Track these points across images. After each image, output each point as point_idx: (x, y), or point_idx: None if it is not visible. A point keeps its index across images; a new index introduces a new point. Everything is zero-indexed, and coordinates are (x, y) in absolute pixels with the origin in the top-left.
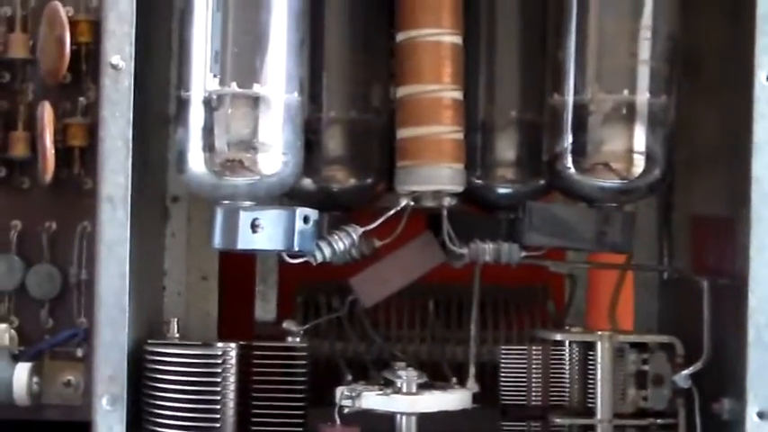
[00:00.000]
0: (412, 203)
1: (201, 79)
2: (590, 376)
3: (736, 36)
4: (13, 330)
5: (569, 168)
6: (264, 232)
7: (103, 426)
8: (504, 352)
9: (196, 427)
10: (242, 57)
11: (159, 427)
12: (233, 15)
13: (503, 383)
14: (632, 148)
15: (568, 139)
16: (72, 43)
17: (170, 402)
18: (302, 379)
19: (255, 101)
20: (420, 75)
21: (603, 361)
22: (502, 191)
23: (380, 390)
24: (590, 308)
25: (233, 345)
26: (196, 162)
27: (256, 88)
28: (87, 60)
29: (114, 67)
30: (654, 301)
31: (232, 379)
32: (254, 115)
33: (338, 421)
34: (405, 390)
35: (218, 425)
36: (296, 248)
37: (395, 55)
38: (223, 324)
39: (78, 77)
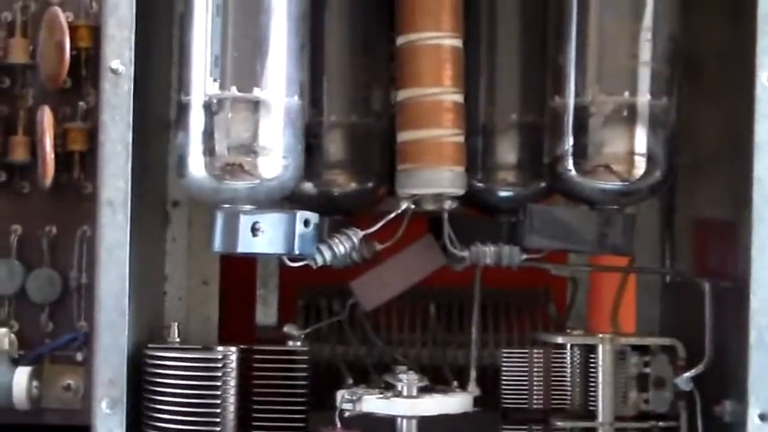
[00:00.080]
0: (413, 207)
1: (202, 83)
2: (591, 379)
3: (736, 37)
4: (13, 334)
5: (570, 171)
6: (265, 236)
7: (103, 429)
8: (505, 355)
9: (196, 430)
10: (242, 61)
11: (159, 431)
12: (233, 19)
13: (504, 387)
14: (633, 150)
15: (569, 142)
16: (72, 48)
17: (170, 406)
18: (303, 383)
19: (256, 105)
20: (420, 78)
21: (605, 364)
22: (503, 194)
23: (381, 393)
24: (591, 311)
25: (233, 349)
26: (196, 166)
27: (256, 92)
28: (87, 65)
29: (114, 71)
30: (656, 304)
31: (233, 383)
32: (255, 119)
33: (339, 425)
34: (405, 393)
35: (218, 429)
36: (296, 252)
37: (395, 58)
38: (224, 328)
39: (78, 82)
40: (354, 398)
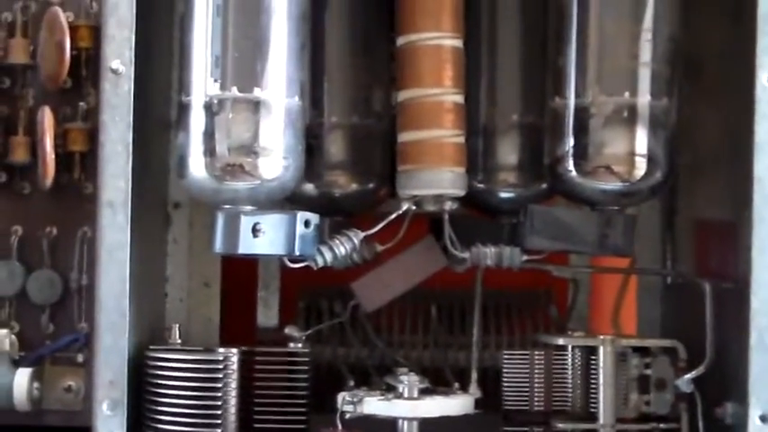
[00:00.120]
0: (413, 208)
1: (202, 84)
2: (592, 381)
3: (736, 37)
4: (13, 336)
5: (571, 171)
6: (265, 237)
7: (104, 430)
8: (506, 357)
9: None
10: (243, 61)
11: None
12: (233, 20)
13: (505, 388)
14: (633, 151)
15: (570, 143)
16: (72, 48)
17: (171, 408)
18: (304, 385)
19: (256, 105)
20: (421, 79)
21: (606, 365)
22: (503, 195)
23: (382, 395)
24: (592, 312)
25: (234, 350)
26: (197, 167)
27: (257, 93)
28: (87, 65)
29: (114, 71)
30: (657, 305)
31: (234, 385)
32: (255, 120)
33: (340, 427)
34: (406, 395)
35: (219, 430)
36: (297, 253)
37: (395, 59)
38: (225, 330)
39: (78, 82)
40: (355, 399)
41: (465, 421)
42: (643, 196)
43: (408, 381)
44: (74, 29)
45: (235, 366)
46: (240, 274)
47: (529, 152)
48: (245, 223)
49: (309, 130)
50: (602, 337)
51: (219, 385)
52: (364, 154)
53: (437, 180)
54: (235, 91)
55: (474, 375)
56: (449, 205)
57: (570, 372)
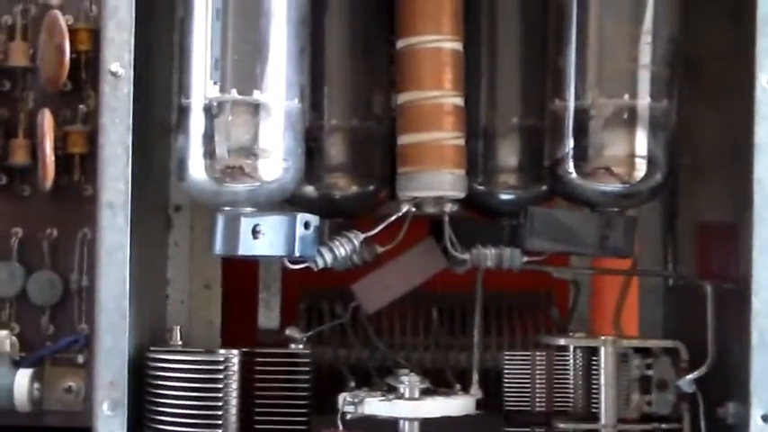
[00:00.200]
0: (413, 209)
1: (202, 86)
2: (594, 381)
3: (736, 38)
4: (14, 337)
5: (571, 173)
6: (265, 238)
7: (104, 431)
8: (507, 358)
9: None
10: (242, 64)
11: None
12: (233, 23)
13: (506, 389)
14: (634, 153)
15: (570, 144)
16: (72, 51)
17: (172, 409)
18: (305, 386)
19: (256, 108)
20: (421, 81)
21: (607, 366)
22: (504, 197)
23: (383, 396)
24: (594, 313)
25: (235, 351)
26: (197, 169)
27: (256, 95)
28: (87, 68)
29: (114, 74)
30: (659, 306)
31: (235, 386)
32: (255, 122)
33: (341, 427)
34: (407, 395)
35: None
36: (297, 254)
37: (395, 62)
38: (226, 332)
39: (78, 85)
40: (356, 400)
41: (466, 422)
42: (643, 198)
43: (409, 381)
44: (73, 32)
45: (236, 368)
46: (241, 276)
47: (529, 154)
48: (245, 225)
49: (310, 132)
50: (603, 337)
51: (220, 386)
52: (364, 156)
53: (437, 182)
54: (234, 93)
55: (475, 376)
56: (449, 207)
57: (572, 373)
